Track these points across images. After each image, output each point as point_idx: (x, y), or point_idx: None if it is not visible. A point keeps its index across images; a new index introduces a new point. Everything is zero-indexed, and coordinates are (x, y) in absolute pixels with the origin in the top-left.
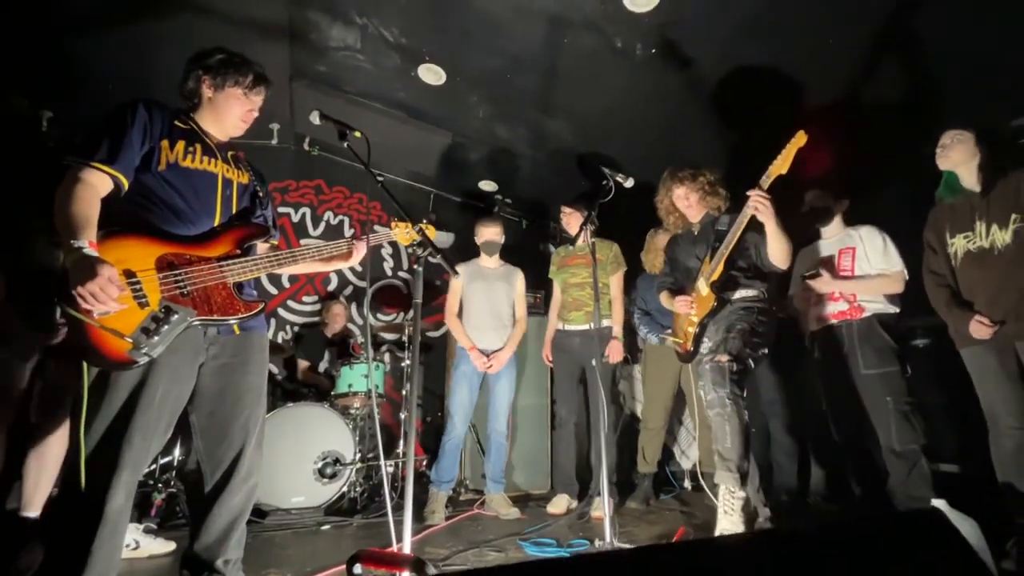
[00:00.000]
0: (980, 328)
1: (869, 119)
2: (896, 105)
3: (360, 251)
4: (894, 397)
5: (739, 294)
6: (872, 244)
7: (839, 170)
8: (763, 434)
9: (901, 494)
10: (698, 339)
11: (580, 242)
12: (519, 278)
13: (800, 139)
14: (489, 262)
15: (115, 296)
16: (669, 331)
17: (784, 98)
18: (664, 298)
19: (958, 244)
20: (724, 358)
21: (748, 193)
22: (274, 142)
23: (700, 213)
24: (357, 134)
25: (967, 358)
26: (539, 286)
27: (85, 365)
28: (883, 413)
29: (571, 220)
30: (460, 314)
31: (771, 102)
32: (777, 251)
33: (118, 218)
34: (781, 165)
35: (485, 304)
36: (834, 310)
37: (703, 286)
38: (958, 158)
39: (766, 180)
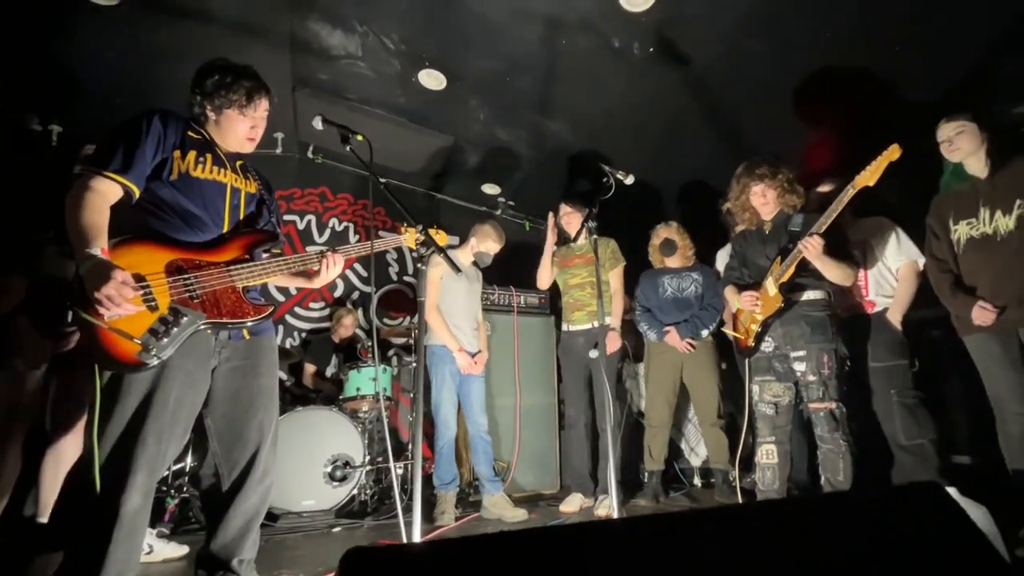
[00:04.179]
0: (982, 314)
1: (872, 110)
2: (899, 95)
3: (328, 271)
4: (898, 390)
5: (806, 296)
6: (883, 238)
7: (844, 162)
8: None
9: None
10: (760, 337)
11: (580, 241)
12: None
13: (893, 152)
14: (465, 259)
15: (130, 297)
16: (705, 327)
17: (785, 92)
18: (729, 293)
19: (961, 231)
20: (832, 405)
21: (811, 232)
22: (278, 151)
23: (775, 211)
24: (359, 137)
25: (971, 345)
26: None
27: (98, 369)
28: (887, 406)
29: (570, 219)
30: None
31: (773, 97)
32: (834, 278)
33: (129, 226)
34: (869, 177)
35: (465, 304)
36: (847, 304)
37: (771, 286)
38: (968, 147)
39: (849, 192)
